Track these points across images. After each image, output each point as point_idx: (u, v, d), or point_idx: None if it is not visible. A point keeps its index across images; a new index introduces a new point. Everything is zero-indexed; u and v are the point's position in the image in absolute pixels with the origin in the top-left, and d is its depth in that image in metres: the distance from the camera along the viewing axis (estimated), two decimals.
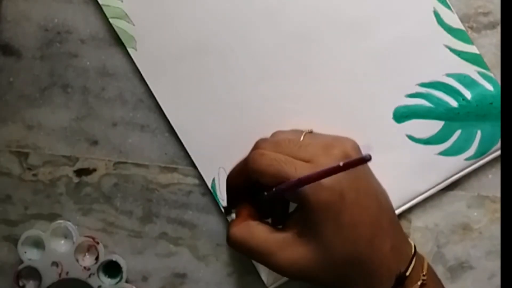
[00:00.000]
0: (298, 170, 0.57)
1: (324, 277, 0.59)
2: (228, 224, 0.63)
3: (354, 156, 0.59)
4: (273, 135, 0.65)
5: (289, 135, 0.62)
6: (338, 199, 0.56)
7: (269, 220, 0.64)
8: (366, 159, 0.51)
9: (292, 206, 0.63)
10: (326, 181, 0.55)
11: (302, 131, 0.63)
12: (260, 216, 0.63)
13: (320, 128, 0.67)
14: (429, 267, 0.61)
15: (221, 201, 0.69)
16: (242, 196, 0.64)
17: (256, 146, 0.62)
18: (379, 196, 0.60)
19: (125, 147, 0.71)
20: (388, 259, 0.58)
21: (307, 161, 0.58)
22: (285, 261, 0.58)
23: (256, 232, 0.60)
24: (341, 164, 0.52)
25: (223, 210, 0.69)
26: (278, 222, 0.63)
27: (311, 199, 0.56)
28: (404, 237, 0.61)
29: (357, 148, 0.61)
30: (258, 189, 0.61)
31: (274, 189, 0.58)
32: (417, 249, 0.63)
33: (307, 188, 0.56)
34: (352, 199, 0.57)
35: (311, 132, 0.63)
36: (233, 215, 0.67)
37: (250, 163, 0.60)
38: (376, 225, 0.58)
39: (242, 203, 0.64)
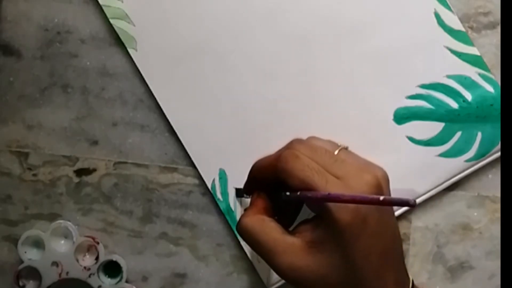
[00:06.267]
0: (328, 184, 0.56)
1: None
2: (243, 212, 0.62)
3: (384, 186, 0.59)
4: (309, 138, 0.64)
5: (325, 145, 0.61)
6: (360, 224, 0.55)
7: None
8: (410, 203, 0.49)
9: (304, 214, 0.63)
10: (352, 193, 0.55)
11: (337, 145, 0.62)
12: (274, 211, 0.63)
13: (321, 129, 0.67)
14: None
15: (219, 201, 0.69)
16: (261, 187, 0.63)
17: (291, 146, 0.61)
18: (395, 229, 0.59)
19: (125, 147, 0.71)
20: None
21: (337, 178, 0.57)
22: (287, 265, 0.58)
23: (268, 228, 0.59)
24: (381, 198, 0.51)
25: (235, 191, 0.69)
26: (285, 223, 0.63)
27: (335, 216, 0.55)
28: (405, 272, 0.60)
29: (387, 179, 0.60)
30: (279, 186, 0.60)
31: (298, 193, 0.57)
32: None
33: (333, 204, 0.55)
34: (372, 227, 0.56)
35: (346, 148, 0.62)
36: (246, 200, 0.68)
37: (283, 162, 0.59)
38: (386, 257, 0.57)
39: (259, 194, 0.63)
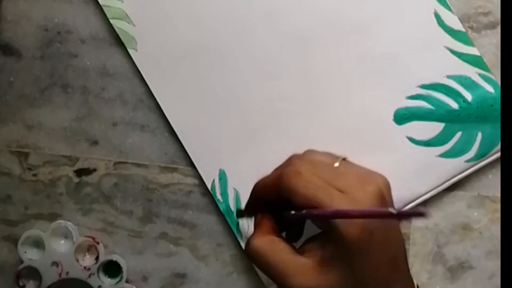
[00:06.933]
0: (334, 200, 0.55)
1: None
2: (252, 234, 0.61)
3: (386, 195, 0.58)
4: (307, 153, 0.63)
5: (324, 158, 0.61)
6: (368, 238, 0.55)
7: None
8: (422, 214, 0.48)
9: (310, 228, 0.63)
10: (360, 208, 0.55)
11: (336, 156, 0.61)
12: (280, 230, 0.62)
13: (321, 129, 0.67)
14: None
15: (219, 202, 0.69)
16: (264, 207, 0.62)
17: (291, 163, 0.60)
18: (400, 238, 0.59)
19: (125, 147, 0.71)
20: None
21: (341, 191, 0.56)
22: (299, 287, 0.57)
23: (278, 249, 0.59)
24: (394, 211, 0.50)
25: (233, 208, 0.69)
26: (292, 239, 0.63)
27: (342, 232, 0.54)
28: (410, 277, 0.60)
29: (389, 186, 0.59)
30: (283, 205, 0.59)
31: (304, 212, 0.57)
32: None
33: (340, 220, 0.55)
34: (379, 240, 0.55)
35: (345, 159, 0.61)
36: (244, 222, 0.68)
37: (285, 180, 0.58)
38: (394, 267, 0.57)
39: (263, 214, 0.62)
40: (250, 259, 0.60)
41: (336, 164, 0.60)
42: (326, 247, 0.57)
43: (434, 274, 0.70)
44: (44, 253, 0.70)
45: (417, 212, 0.49)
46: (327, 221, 0.56)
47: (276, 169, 0.63)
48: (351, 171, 0.59)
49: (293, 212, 0.59)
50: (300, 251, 0.59)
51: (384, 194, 0.57)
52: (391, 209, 0.51)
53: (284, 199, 0.58)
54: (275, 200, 0.60)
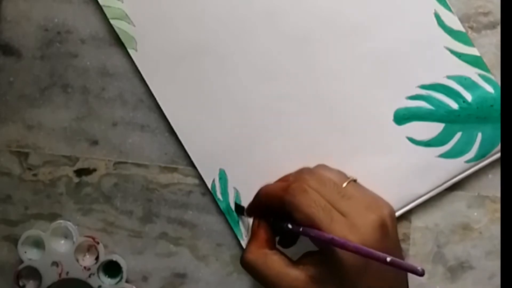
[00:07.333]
0: (333, 223, 0.56)
1: None
2: (246, 246, 0.63)
3: (390, 225, 0.58)
4: (318, 168, 0.63)
5: (334, 175, 0.61)
6: (363, 265, 0.55)
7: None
8: (417, 273, 0.49)
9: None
10: (357, 243, 0.54)
11: (347, 177, 0.62)
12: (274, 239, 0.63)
13: (321, 129, 0.67)
14: None
15: (219, 201, 0.69)
16: (264, 212, 0.63)
17: (301, 178, 0.61)
18: (402, 274, 0.59)
19: (125, 147, 0.71)
20: None
21: (343, 214, 0.57)
22: None
23: (271, 263, 0.59)
24: (388, 259, 0.51)
25: (233, 207, 0.69)
26: (284, 246, 0.64)
27: (338, 256, 0.55)
28: None
29: (394, 217, 0.60)
30: (283, 215, 0.60)
31: (301, 229, 0.58)
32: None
33: None
34: (375, 268, 0.55)
35: (355, 181, 0.62)
36: (244, 220, 0.69)
37: (290, 195, 0.58)
38: None
39: (259, 222, 0.63)
40: (246, 271, 0.61)
41: (344, 185, 0.60)
42: (320, 265, 0.58)
43: (434, 274, 0.69)
44: (44, 253, 0.70)
45: (413, 268, 0.49)
46: (323, 242, 0.56)
47: (284, 178, 0.64)
48: (358, 194, 0.60)
49: (290, 226, 0.59)
50: (295, 263, 0.60)
51: (387, 224, 0.58)
52: (388, 257, 0.51)
53: (286, 212, 0.59)
54: (278, 210, 0.60)
